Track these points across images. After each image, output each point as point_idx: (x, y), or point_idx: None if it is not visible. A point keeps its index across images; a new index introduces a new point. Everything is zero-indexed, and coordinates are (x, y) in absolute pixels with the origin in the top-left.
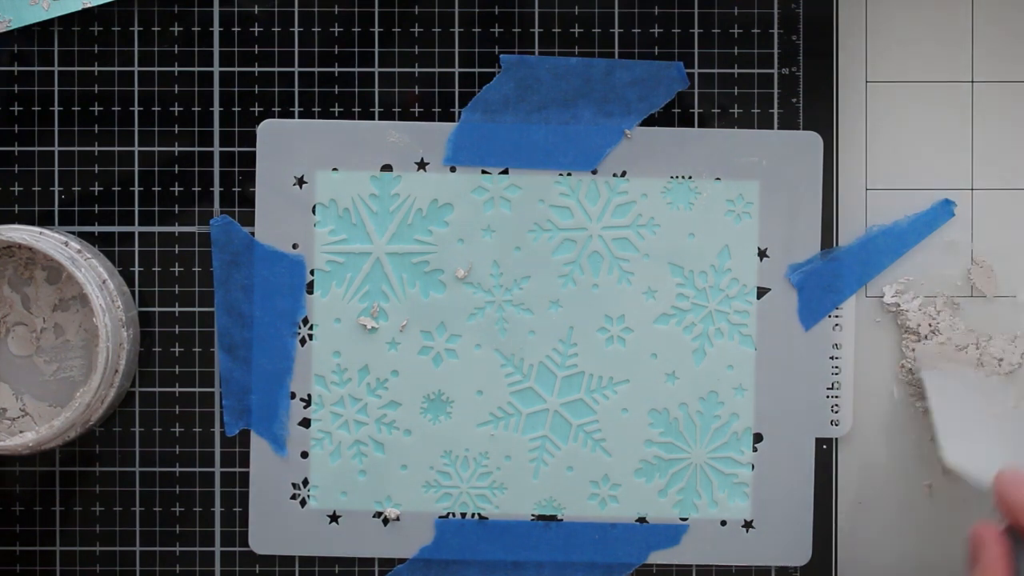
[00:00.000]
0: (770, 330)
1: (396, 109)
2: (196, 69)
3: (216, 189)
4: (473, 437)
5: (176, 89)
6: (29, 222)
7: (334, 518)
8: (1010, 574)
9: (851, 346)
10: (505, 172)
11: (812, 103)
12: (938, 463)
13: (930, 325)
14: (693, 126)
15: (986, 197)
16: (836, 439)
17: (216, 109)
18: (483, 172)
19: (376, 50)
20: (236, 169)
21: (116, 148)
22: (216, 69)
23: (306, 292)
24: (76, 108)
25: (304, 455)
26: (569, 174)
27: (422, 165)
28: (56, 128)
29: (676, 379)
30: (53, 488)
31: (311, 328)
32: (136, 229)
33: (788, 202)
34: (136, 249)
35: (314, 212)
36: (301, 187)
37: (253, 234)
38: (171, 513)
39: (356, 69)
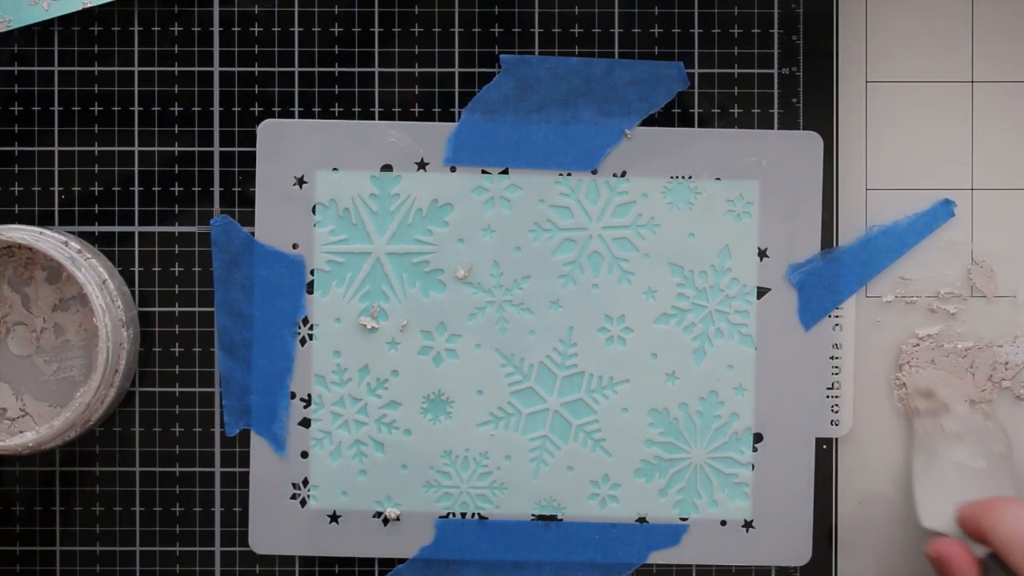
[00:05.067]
0: (770, 330)
1: (396, 109)
2: (196, 69)
3: (216, 189)
4: (473, 437)
5: (176, 89)
6: (29, 222)
7: (334, 518)
8: None
9: (851, 346)
10: (505, 172)
11: (812, 103)
12: (916, 520)
13: (931, 333)
14: (693, 126)
15: (986, 197)
16: (836, 439)
17: (216, 109)
18: (483, 172)
19: (376, 50)
20: (236, 169)
21: (116, 148)
22: (216, 69)
23: (306, 292)
24: (76, 108)
25: (304, 455)
26: (569, 174)
27: (422, 165)
28: (56, 128)
29: (676, 379)
30: (53, 488)
31: (311, 328)
32: (136, 229)
33: (788, 202)
34: (136, 249)
35: (314, 212)
36: (301, 187)
37: (253, 234)
38: (171, 513)
39: (356, 69)
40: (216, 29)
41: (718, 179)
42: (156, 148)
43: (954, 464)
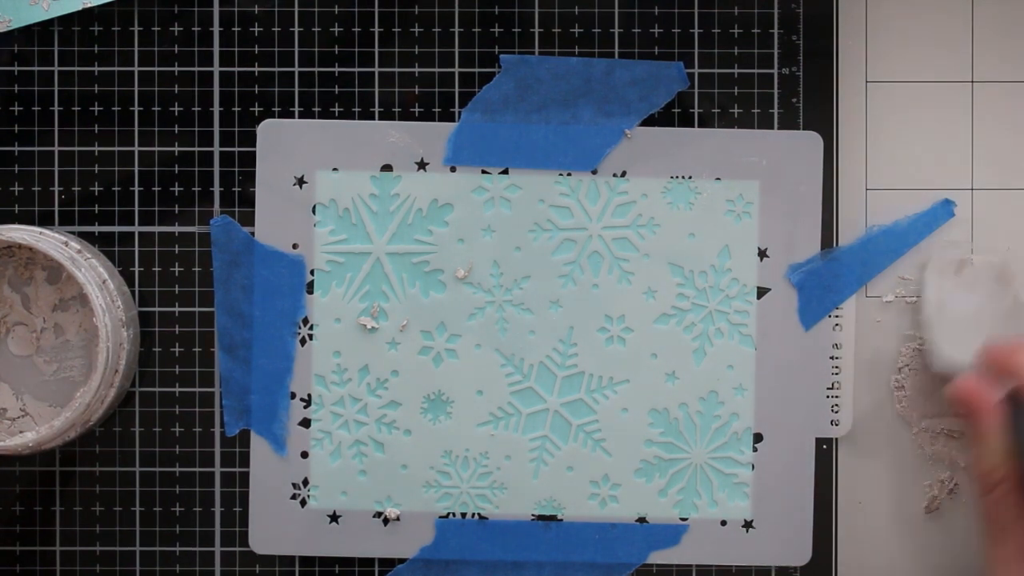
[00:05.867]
0: (770, 330)
1: (396, 109)
2: (196, 69)
3: (216, 189)
4: (473, 437)
5: (176, 89)
6: (29, 222)
7: (334, 518)
8: (1014, 441)
9: (851, 346)
10: (505, 172)
11: (812, 103)
12: (929, 367)
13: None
14: (693, 126)
15: (986, 197)
16: (836, 439)
17: (216, 109)
18: (483, 172)
19: (376, 50)
20: (236, 169)
21: (116, 148)
22: (216, 69)
23: (306, 292)
24: (76, 108)
25: (304, 455)
26: (569, 174)
27: (422, 165)
28: (56, 128)
29: (676, 379)
30: (53, 488)
31: (311, 328)
32: (136, 229)
33: (788, 202)
34: (136, 249)
35: (314, 212)
36: (301, 187)
37: (253, 234)
38: (171, 513)
39: (356, 69)
40: (216, 29)
41: (718, 179)
42: (156, 148)
43: (965, 313)
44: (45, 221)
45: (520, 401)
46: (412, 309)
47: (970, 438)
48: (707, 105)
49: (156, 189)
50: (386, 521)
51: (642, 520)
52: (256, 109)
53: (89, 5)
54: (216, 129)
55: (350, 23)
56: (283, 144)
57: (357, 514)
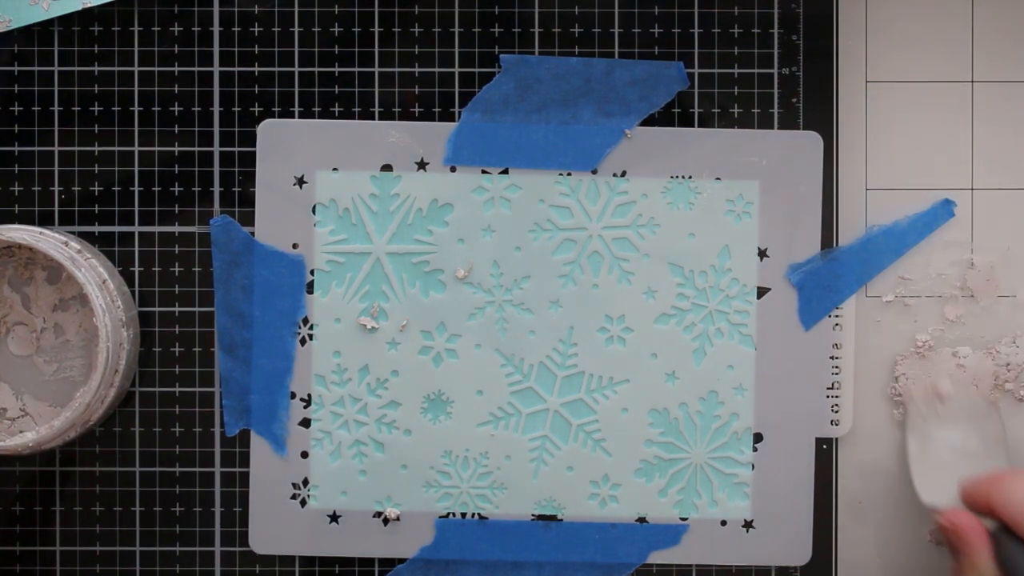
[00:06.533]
0: (770, 330)
1: (396, 109)
2: (196, 69)
3: (216, 189)
4: (473, 437)
5: (176, 89)
6: (29, 222)
7: (334, 518)
8: (1001, 570)
9: (851, 346)
10: (505, 172)
11: (812, 103)
12: (916, 497)
13: (929, 334)
14: (693, 126)
15: (986, 197)
16: (836, 439)
17: (216, 109)
18: (483, 172)
19: (376, 50)
20: (236, 169)
21: (116, 148)
22: (216, 69)
23: (306, 292)
24: (76, 108)
25: (304, 455)
26: (569, 174)
27: (422, 165)
28: (56, 128)
29: (676, 379)
30: (53, 488)
31: (311, 328)
32: (136, 229)
33: (788, 202)
34: (136, 249)
35: (314, 212)
36: (301, 187)
37: (253, 234)
38: (171, 513)
39: (356, 69)
40: (216, 29)
41: (718, 179)
42: (156, 148)
43: (949, 447)
44: (45, 221)
45: (520, 401)
46: (412, 309)
47: (959, 569)
48: (707, 105)
49: (156, 189)
50: (386, 521)
51: (642, 520)
52: (256, 109)
53: (89, 5)
54: (216, 129)
55: (350, 23)
56: (283, 144)
57: (357, 514)
